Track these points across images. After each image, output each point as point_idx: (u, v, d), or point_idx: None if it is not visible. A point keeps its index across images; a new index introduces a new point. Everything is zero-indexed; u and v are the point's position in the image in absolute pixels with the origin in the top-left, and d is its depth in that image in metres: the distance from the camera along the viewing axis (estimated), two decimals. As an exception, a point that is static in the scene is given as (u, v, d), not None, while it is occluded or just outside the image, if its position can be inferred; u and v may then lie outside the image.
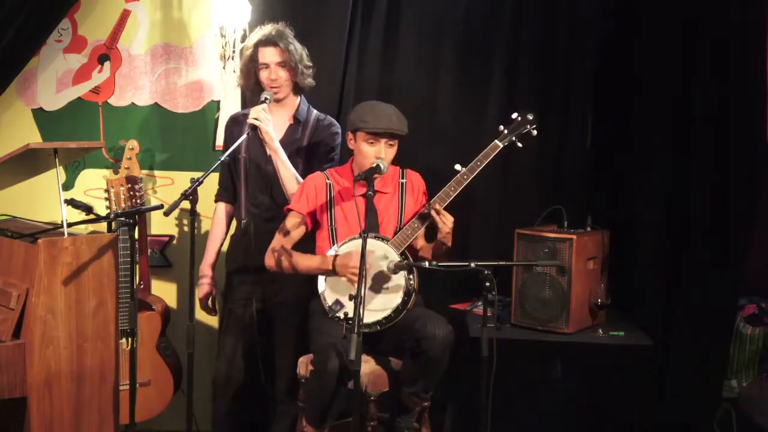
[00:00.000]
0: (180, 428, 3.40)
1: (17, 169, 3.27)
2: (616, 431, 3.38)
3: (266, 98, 3.38)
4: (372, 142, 3.18)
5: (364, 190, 3.05)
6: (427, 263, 3.00)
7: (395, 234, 3.23)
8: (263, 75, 3.45)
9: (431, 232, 3.24)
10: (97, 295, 3.10)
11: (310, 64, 3.51)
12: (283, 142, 3.45)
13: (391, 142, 3.21)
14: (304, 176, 3.40)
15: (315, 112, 3.58)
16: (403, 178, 3.36)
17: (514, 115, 3.23)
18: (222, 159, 3.17)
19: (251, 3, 3.84)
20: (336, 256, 3.15)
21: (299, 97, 3.55)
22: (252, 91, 3.58)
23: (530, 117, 3.22)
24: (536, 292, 3.38)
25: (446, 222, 3.13)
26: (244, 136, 3.33)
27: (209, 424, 3.76)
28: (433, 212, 3.12)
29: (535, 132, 3.23)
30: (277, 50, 3.42)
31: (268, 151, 3.39)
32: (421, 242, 3.34)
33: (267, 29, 3.47)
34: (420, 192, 3.36)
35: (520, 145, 3.22)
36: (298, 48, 3.46)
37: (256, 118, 3.30)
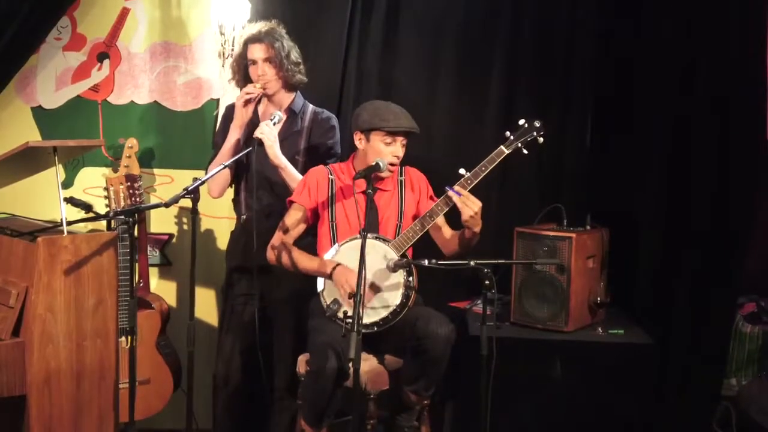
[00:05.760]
0: (179, 426, 3.41)
1: (16, 167, 3.27)
2: (616, 430, 3.37)
3: (276, 117, 3.40)
4: (389, 142, 3.18)
5: (364, 188, 3.05)
6: (426, 261, 2.98)
7: (396, 232, 3.23)
8: (251, 71, 3.49)
9: (457, 221, 3.18)
10: (96, 294, 3.10)
11: (299, 61, 3.52)
12: (282, 134, 3.46)
13: (404, 141, 3.22)
14: (304, 173, 3.40)
15: (311, 106, 3.59)
16: (401, 175, 3.36)
17: (521, 122, 3.18)
18: (226, 165, 3.25)
19: (250, 1, 3.83)
20: (337, 265, 3.14)
21: (294, 94, 3.57)
22: (242, 88, 3.58)
23: (537, 124, 3.15)
24: (536, 291, 3.38)
25: (470, 205, 3.05)
26: (250, 148, 3.33)
27: (209, 422, 3.76)
28: (455, 198, 3.06)
29: (541, 139, 3.16)
30: (264, 47, 3.45)
31: (276, 168, 3.39)
32: (448, 232, 3.30)
33: (257, 26, 3.51)
34: (420, 186, 3.35)
35: (525, 152, 3.17)
36: (285, 45, 3.47)
37: (262, 133, 3.32)
